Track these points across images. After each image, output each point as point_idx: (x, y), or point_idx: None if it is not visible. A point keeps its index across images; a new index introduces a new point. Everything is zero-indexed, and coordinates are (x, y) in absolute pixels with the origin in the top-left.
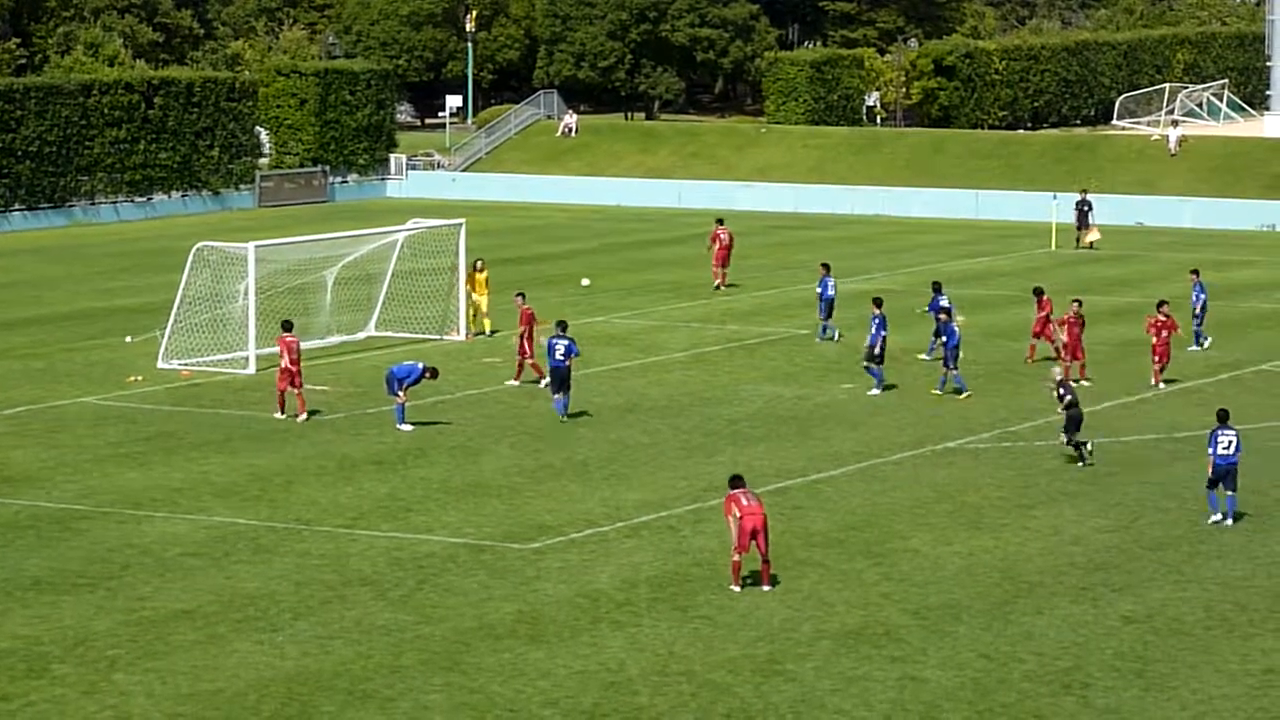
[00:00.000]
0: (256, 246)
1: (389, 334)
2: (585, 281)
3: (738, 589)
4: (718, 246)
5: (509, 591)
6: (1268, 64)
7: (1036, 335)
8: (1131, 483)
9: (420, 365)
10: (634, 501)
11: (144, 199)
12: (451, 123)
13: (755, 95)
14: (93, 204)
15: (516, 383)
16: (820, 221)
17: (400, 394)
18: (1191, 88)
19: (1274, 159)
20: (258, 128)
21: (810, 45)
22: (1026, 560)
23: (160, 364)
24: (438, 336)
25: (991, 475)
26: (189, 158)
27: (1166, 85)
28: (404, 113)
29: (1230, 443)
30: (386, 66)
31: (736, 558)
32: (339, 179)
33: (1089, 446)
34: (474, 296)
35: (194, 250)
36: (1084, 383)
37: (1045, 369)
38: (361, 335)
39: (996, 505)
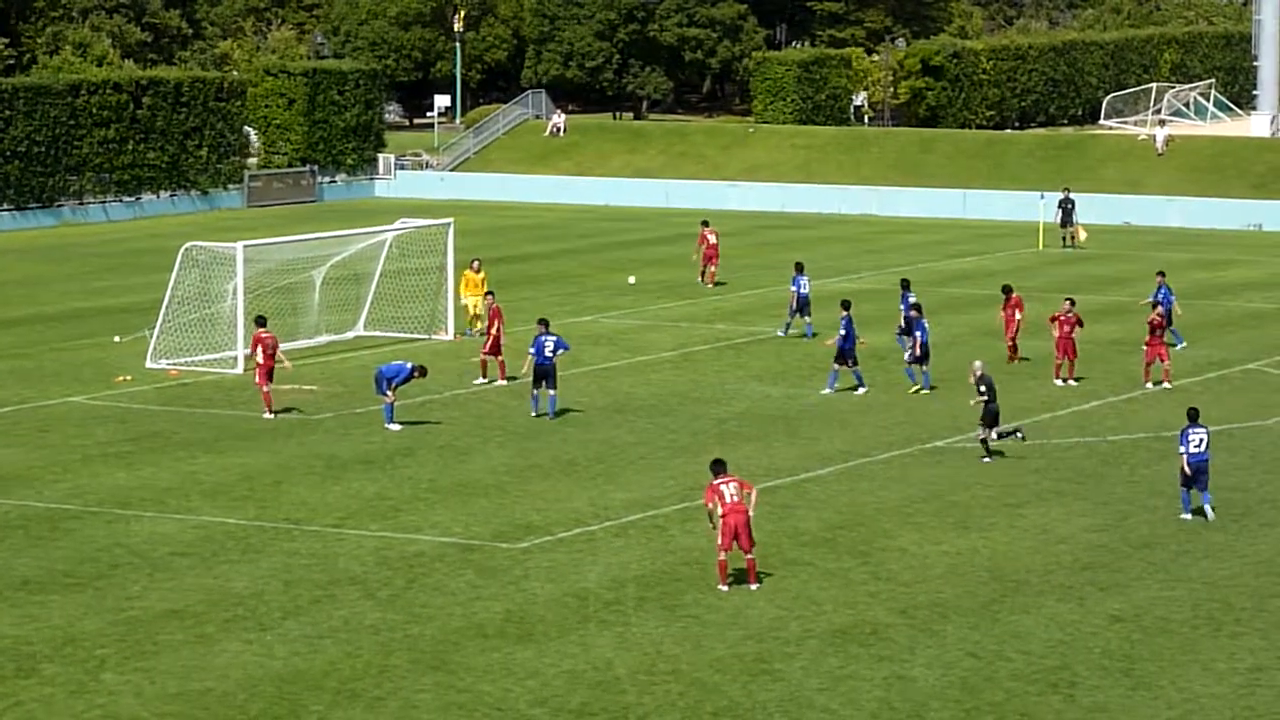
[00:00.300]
0: (245, 246)
1: (377, 333)
2: (632, 279)
3: (725, 588)
4: (705, 247)
5: (497, 591)
6: (1254, 64)
7: (1012, 339)
8: (1119, 482)
9: (409, 365)
10: (622, 501)
11: (132, 199)
12: (440, 122)
13: (743, 95)
14: (81, 204)
15: (499, 380)
16: (808, 221)
17: (389, 393)
18: (1178, 87)
19: (1260, 158)
20: (246, 128)
21: (798, 45)
22: (1014, 559)
23: (149, 364)
24: (426, 336)
25: (979, 474)
26: (177, 157)
27: (1153, 85)
28: (392, 113)
29: (1201, 440)
30: (375, 66)
31: (722, 556)
32: (327, 179)
33: (1020, 434)
34: (466, 298)
35: (182, 250)
36: (1072, 382)
37: (1031, 367)
38: (350, 335)
39: (984, 504)
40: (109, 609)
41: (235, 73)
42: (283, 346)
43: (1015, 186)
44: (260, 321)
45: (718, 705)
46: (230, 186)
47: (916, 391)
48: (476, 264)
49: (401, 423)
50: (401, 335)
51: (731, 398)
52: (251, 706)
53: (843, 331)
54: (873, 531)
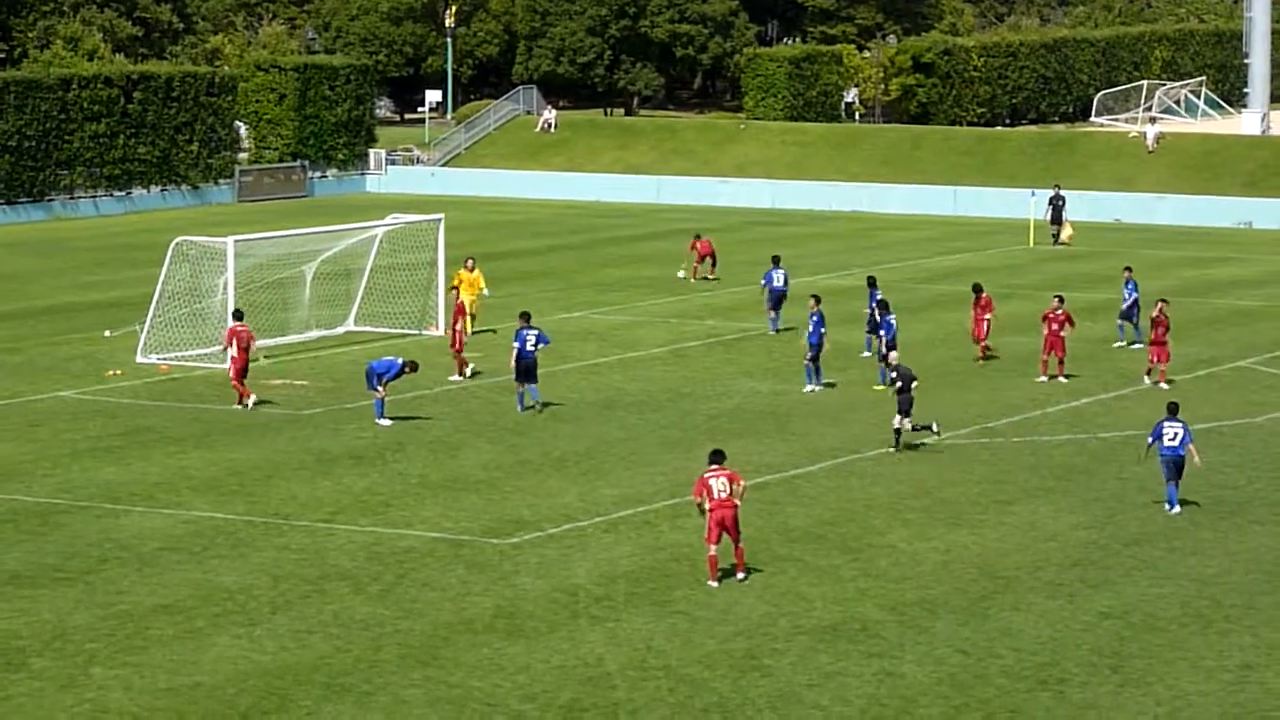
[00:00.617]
0: (235, 241)
1: (368, 329)
2: (681, 274)
3: (715, 584)
4: (696, 255)
5: (487, 586)
6: (1245, 61)
7: (978, 338)
8: (1109, 479)
9: (399, 360)
10: (612, 497)
11: (123, 193)
12: (431, 118)
13: (734, 91)
14: (72, 198)
15: (460, 377)
16: (798, 217)
17: (379, 389)
18: (1169, 85)
19: (1251, 156)
20: (237, 122)
21: (789, 41)
22: (1004, 556)
23: (139, 358)
24: (417, 331)
25: (969, 471)
26: (168, 152)
27: (1144, 82)
28: (383, 108)
29: (1175, 434)
30: (366, 61)
31: (712, 551)
32: (318, 174)
33: (935, 429)
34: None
35: (173, 245)
36: (1061, 379)
37: (1017, 366)
38: (340, 330)
39: (974, 501)
40: (98, 603)
41: (226, 68)
42: (273, 341)
43: (1006, 184)
44: (238, 315)
45: (707, 701)
46: (221, 181)
47: (878, 386)
48: (470, 263)
49: (392, 418)
50: (392, 330)
51: (722, 394)
52: (241, 701)
53: (810, 328)
54: (862, 528)
